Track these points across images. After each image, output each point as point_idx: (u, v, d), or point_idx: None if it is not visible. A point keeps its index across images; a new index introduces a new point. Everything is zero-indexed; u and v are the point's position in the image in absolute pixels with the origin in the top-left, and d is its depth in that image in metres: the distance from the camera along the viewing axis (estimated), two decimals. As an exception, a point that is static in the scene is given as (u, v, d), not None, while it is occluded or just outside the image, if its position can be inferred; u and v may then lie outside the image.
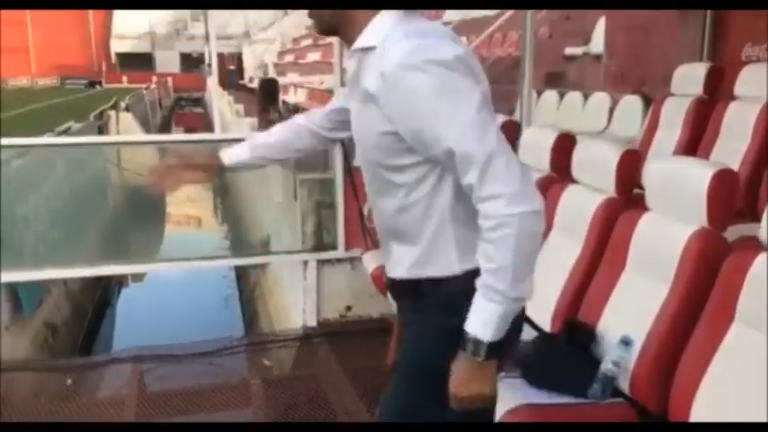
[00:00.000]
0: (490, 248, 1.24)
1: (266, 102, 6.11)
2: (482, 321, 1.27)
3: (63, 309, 4.64)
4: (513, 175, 1.22)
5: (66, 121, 12.49)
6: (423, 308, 1.43)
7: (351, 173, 3.60)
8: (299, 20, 40.93)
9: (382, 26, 1.32)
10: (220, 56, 46.64)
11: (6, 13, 49.80)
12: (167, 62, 49.37)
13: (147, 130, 14.30)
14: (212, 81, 11.98)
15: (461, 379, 1.31)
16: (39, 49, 49.61)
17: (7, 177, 3.86)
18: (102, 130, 8.63)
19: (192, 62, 49.19)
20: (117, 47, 51.65)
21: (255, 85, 27.24)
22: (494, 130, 1.25)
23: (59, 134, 6.11)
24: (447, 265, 1.39)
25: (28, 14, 50.28)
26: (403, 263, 1.44)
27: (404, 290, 1.48)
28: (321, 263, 3.73)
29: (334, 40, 4.55)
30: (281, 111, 6.43)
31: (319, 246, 3.74)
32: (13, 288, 3.60)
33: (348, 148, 3.61)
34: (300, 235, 3.76)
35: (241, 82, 32.18)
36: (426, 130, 1.25)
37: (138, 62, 49.11)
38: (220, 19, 48.89)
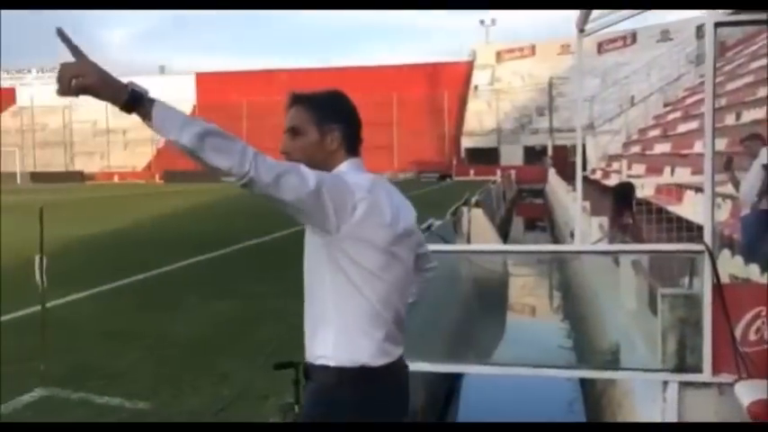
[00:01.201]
0: None
1: (621, 205, 6.01)
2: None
3: (419, 395, 5.01)
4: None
5: (420, 213, 13.77)
6: None
7: (720, 289, 3.32)
8: (645, 110, 39.92)
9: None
10: (563, 148, 47.50)
11: (376, 115, 57.63)
12: (511, 155, 51.70)
13: (493, 222, 14.97)
14: (553, 173, 12.23)
15: None
16: (401, 147, 56.09)
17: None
18: (455, 225, 9.33)
19: (534, 155, 50.85)
20: (467, 143, 55.85)
21: (598, 177, 27.05)
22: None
23: (422, 230, 6.72)
24: None
25: (395, 116, 57.40)
26: None
27: None
28: (683, 385, 3.46)
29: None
30: (635, 215, 6.23)
31: (681, 366, 3.47)
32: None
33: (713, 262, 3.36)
34: (660, 353, 3.55)
35: (583, 174, 32.02)
36: None
37: (485, 156, 52.31)
38: (565, 113, 49.91)
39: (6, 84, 73.84)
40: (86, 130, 67.28)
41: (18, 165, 60.55)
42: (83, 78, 1.50)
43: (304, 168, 1.66)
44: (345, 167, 1.87)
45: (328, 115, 1.88)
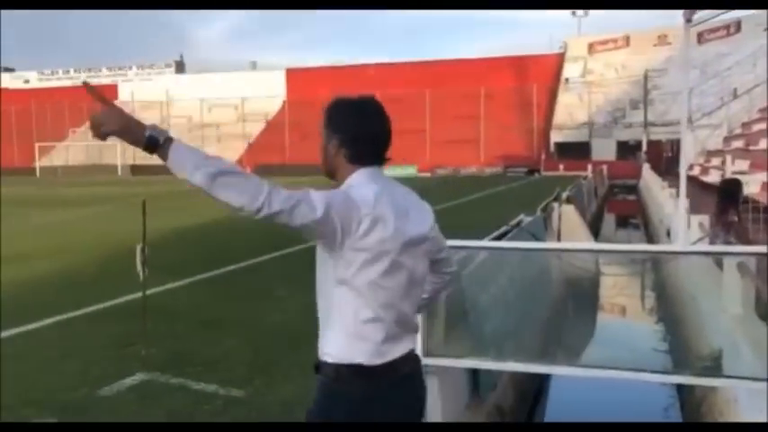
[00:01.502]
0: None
1: (726, 203, 5.70)
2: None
3: (509, 394, 4.94)
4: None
5: (509, 209, 13.60)
6: None
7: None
8: (749, 103, 37.83)
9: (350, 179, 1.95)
10: (658, 143, 45.69)
11: (463, 109, 57.17)
12: (603, 150, 50.17)
13: (584, 218, 14.57)
14: (647, 169, 11.74)
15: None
16: (488, 141, 55.46)
17: (475, 268, 4.32)
18: (546, 221, 9.13)
19: (627, 150, 49.16)
20: (556, 137, 54.60)
21: (696, 173, 25.84)
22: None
23: (513, 226, 6.62)
24: None
25: (482, 110, 56.79)
26: None
27: None
28: (794, 395, 3.25)
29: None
30: (740, 213, 5.90)
31: (793, 375, 3.26)
32: (473, 371, 3.97)
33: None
34: (767, 360, 3.34)
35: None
36: None
37: (575, 150, 50.99)
38: (660, 106, 47.99)
39: (108, 80, 77.77)
40: (182, 125, 69.99)
41: (119, 158, 63.69)
42: (105, 126, 1.70)
43: (314, 195, 1.76)
44: (356, 179, 1.94)
45: (330, 125, 2.01)
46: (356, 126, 1.98)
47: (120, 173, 61.22)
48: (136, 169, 61.52)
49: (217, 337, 5.85)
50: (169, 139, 1.72)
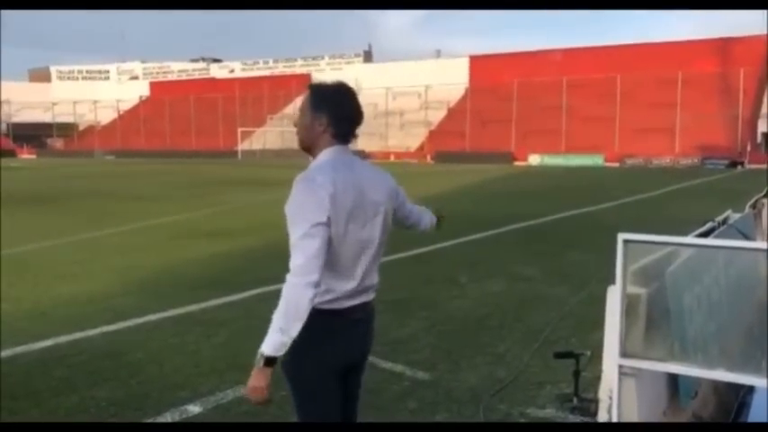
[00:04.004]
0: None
1: None
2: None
3: (710, 404, 4.59)
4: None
5: (706, 204, 12.58)
6: None
7: None
8: None
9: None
10: None
11: (658, 95, 53.60)
12: (821, 141, 44.75)
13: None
14: None
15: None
16: (684, 130, 51.57)
17: (678, 267, 4.03)
18: (756, 219, 8.32)
19: None
20: (764, 127, 49.56)
21: None
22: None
23: (719, 223, 6.09)
24: None
25: (678, 96, 52.91)
26: None
27: None
28: None
29: None
30: None
31: None
32: (674, 377, 3.73)
33: None
34: None
35: None
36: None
37: (786, 141, 45.97)
38: None
39: (303, 70, 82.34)
40: (368, 113, 72.21)
41: (310, 143, 67.29)
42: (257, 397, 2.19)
43: (302, 242, 2.20)
44: (325, 156, 2.34)
45: (318, 104, 2.33)
46: (345, 109, 2.34)
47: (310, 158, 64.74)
48: (324, 154, 64.56)
49: (403, 318, 6.00)
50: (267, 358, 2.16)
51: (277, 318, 2.15)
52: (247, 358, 4.89)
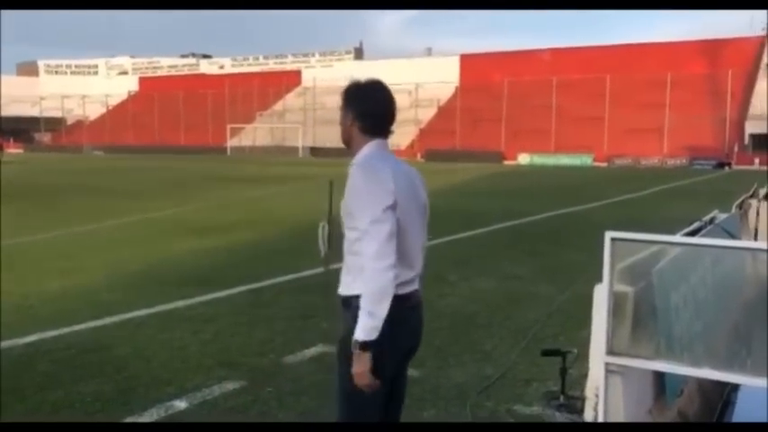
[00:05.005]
0: None
1: None
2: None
3: (695, 402, 4.62)
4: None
5: (694, 204, 12.68)
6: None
7: None
8: None
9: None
10: None
11: (647, 96, 53.87)
12: (807, 143, 45.15)
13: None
14: None
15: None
16: (672, 131, 51.86)
17: (665, 265, 4.05)
18: (742, 219, 8.38)
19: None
20: (752, 128, 49.94)
21: None
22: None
23: (706, 223, 6.13)
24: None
25: (668, 97, 53.23)
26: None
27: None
28: None
29: None
30: None
31: None
32: (660, 375, 3.75)
33: None
34: None
35: None
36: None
37: (773, 143, 46.36)
38: None
39: (293, 66, 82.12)
40: (358, 110, 72.25)
41: (300, 140, 67.21)
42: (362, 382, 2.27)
43: (373, 228, 2.23)
44: (369, 149, 2.43)
45: (347, 100, 2.47)
46: (376, 104, 2.46)
47: (301, 154, 64.62)
48: (315, 151, 64.57)
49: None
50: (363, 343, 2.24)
51: (365, 303, 2.21)
52: (234, 354, 4.92)
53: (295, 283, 7.28)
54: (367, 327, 2.21)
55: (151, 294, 6.75)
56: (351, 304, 2.36)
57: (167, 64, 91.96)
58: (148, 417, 3.80)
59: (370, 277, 2.20)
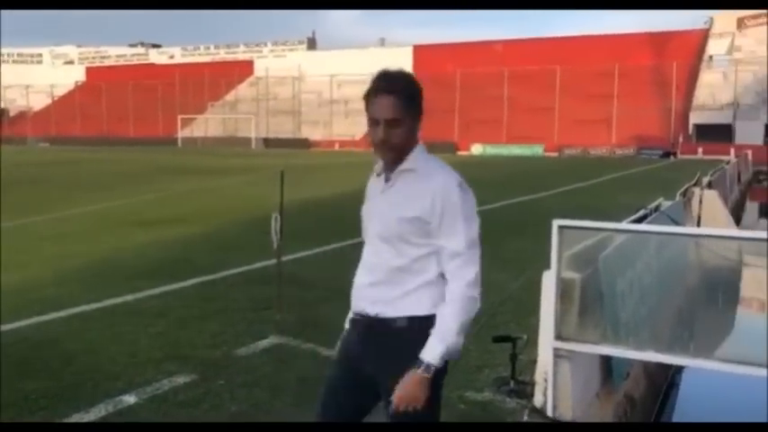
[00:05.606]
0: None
1: None
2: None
3: (641, 384, 4.75)
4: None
5: (641, 192, 12.99)
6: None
7: None
8: None
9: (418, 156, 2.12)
10: (814, 127, 41.85)
11: (596, 87, 54.88)
12: (748, 133, 46.71)
13: (725, 205, 13.65)
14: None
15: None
16: (621, 121, 53.02)
17: (611, 252, 4.15)
18: (685, 206, 8.63)
19: (777, 133, 45.45)
20: (696, 118, 51.40)
21: None
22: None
23: (652, 210, 6.30)
24: None
25: (616, 88, 54.34)
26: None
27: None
28: None
29: None
30: None
31: None
32: (607, 359, 3.84)
33: None
34: None
35: (838, 157, 28.08)
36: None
37: (716, 133, 47.84)
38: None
39: (245, 56, 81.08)
40: (312, 101, 71.93)
41: (253, 131, 66.49)
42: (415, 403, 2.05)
43: (472, 252, 2.16)
44: (428, 155, 2.16)
45: (418, 98, 2.10)
46: (421, 100, 2.14)
47: (254, 145, 63.94)
48: (268, 142, 63.97)
49: (345, 306, 5.98)
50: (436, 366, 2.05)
51: (456, 326, 2.05)
52: (185, 348, 4.85)
53: (247, 275, 7.21)
54: (454, 348, 2.05)
55: (100, 288, 6.60)
56: (393, 326, 2.12)
57: (115, 53, 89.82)
58: (96, 413, 3.72)
59: (469, 303, 2.07)
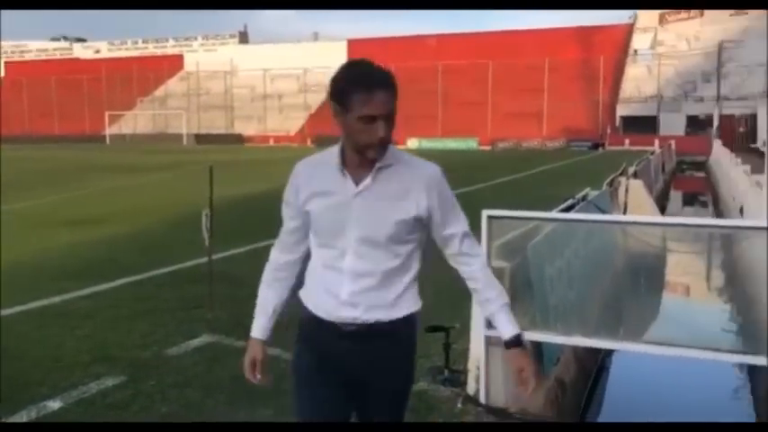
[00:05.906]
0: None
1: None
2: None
3: (571, 368, 4.87)
4: None
5: (572, 183, 13.34)
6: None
7: None
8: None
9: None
10: (730, 117, 43.94)
11: (526, 81, 56.03)
12: (671, 124, 48.60)
13: (650, 194, 14.17)
14: (718, 144, 11.29)
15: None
16: (551, 114, 54.31)
17: (540, 241, 4.25)
18: (612, 196, 8.91)
19: (697, 125, 47.44)
20: (622, 111, 53.10)
21: (771, 149, 24.73)
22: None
23: (579, 200, 6.47)
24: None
25: (545, 82, 55.57)
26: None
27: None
28: None
29: None
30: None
31: None
32: (538, 344, 3.92)
33: None
34: None
35: (753, 146, 29.50)
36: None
37: (642, 125, 49.57)
38: (735, 79, 45.98)
39: (175, 51, 79.23)
40: (245, 96, 70.91)
41: (184, 126, 65.08)
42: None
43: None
44: (390, 146, 2.06)
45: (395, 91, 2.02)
46: None
47: (185, 141, 62.60)
48: (200, 138, 62.75)
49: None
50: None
51: (506, 298, 2.24)
52: (114, 349, 4.70)
53: (177, 274, 7.05)
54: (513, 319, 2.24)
55: (24, 290, 6.33)
56: (394, 327, 2.06)
57: (36, 48, 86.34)
58: (18, 419, 3.57)
59: (493, 275, 2.27)
